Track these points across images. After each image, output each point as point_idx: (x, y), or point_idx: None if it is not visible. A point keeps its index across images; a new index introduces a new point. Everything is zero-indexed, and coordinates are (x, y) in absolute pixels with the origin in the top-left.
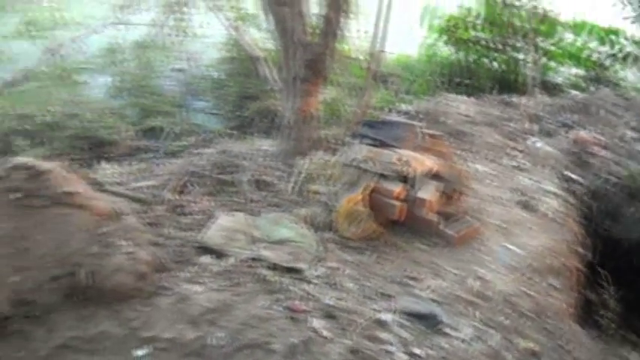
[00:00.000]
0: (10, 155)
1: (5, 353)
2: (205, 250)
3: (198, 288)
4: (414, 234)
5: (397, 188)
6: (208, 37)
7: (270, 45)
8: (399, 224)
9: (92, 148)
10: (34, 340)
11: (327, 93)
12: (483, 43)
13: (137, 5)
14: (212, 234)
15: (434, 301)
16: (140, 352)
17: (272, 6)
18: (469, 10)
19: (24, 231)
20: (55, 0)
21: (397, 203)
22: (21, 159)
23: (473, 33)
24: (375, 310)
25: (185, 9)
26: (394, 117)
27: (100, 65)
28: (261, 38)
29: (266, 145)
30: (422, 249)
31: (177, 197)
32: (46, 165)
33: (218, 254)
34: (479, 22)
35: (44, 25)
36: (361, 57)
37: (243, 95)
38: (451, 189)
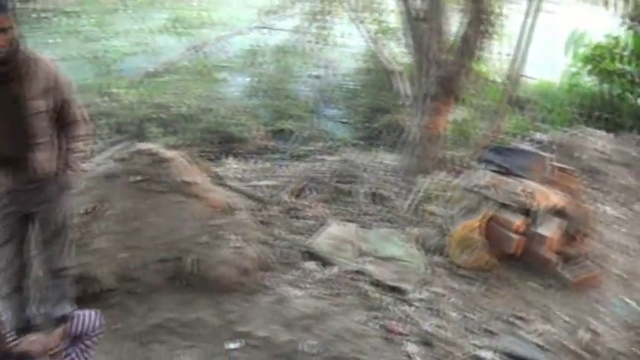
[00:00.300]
0: (142, 140)
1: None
2: (311, 255)
3: (298, 292)
4: (528, 271)
5: (517, 221)
6: (348, 47)
7: (407, 60)
8: (514, 259)
9: (222, 143)
10: (133, 316)
11: (457, 113)
12: (629, 77)
13: (282, 11)
14: (321, 241)
15: (539, 346)
16: (232, 345)
17: (411, 21)
18: (617, 40)
19: (139, 212)
20: (205, 0)
21: (515, 236)
22: (146, 145)
23: (619, 65)
24: (475, 345)
25: (328, 18)
26: (525, 145)
27: (239, 65)
28: (399, 52)
29: (389, 159)
30: (535, 288)
31: (293, 200)
32: (169, 153)
33: (323, 262)
34: (626, 53)
35: (191, 23)
36: (499, 79)
37: (374, 107)
38: (575, 229)
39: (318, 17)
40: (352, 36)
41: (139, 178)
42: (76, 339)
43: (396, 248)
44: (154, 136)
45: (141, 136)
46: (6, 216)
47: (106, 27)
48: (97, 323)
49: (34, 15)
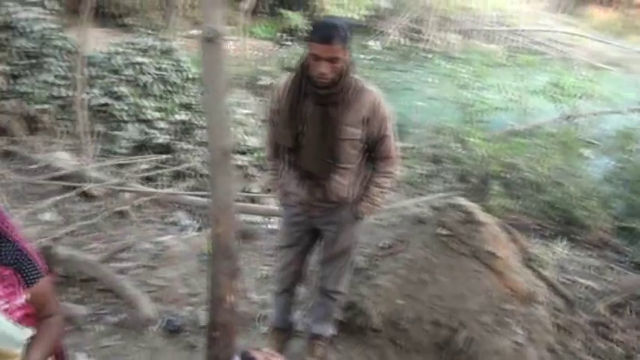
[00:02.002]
0: (480, 195)
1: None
2: None
3: None
4: None
5: None
6: None
7: None
8: None
9: (559, 222)
10: None
11: None
12: None
13: None
14: None
15: None
16: None
17: None
18: None
19: (431, 266)
20: (592, 72)
21: None
22: (464, 201)
23: None
24: None
25: None
26: None
27: (607, 146)
28: None
29: None
30: None
31: (607, 315)
32: (484, 217)
33: None
34: None
35: (570, 92)
36: None
37: None
38: None
39: None
40: None
41: (444, 232)
42: None
43: None
44: (491, 194)
45: (480, 191)
46: (295, 224)
47: (483, 78)
48: None
49: (422, 54)
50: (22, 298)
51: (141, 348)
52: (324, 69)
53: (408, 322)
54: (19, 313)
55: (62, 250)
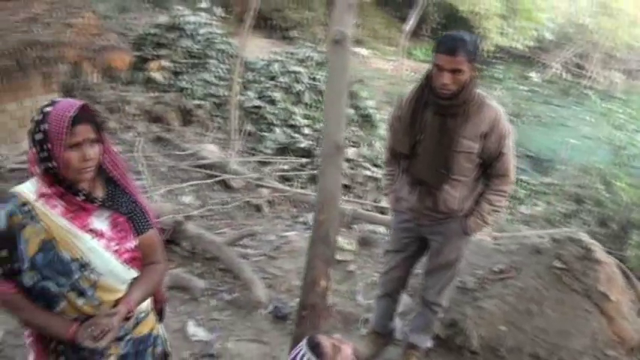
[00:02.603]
0: (617, 243)
1: None
2: None
3: None
4: None
5: None
6: None
7: None
8: None
9: None
10: None
11: None
12: None
13: None
14: None
15: None
16: None
17: None
18: None
19: (540, 298)
20: None
21: None
22: (584, 237)
23: None
24: None
25: None
26: None
27: None
28: None
29: None
30: None
31: None
32: (602, 256)
33: None
34: None
35: None
36: None
37: None
38: None
39: None
40: None
41: (559, 265)
42: None
43: None
44: (632, 245)
45: (618, 239)
46: (403, 230)
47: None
48: None
49: (582, 90)
50: (131, 243)
51: (247, 327)
52: (447, 80)
53: (508, 350)
54: (127, 255)
55: (192, 228)
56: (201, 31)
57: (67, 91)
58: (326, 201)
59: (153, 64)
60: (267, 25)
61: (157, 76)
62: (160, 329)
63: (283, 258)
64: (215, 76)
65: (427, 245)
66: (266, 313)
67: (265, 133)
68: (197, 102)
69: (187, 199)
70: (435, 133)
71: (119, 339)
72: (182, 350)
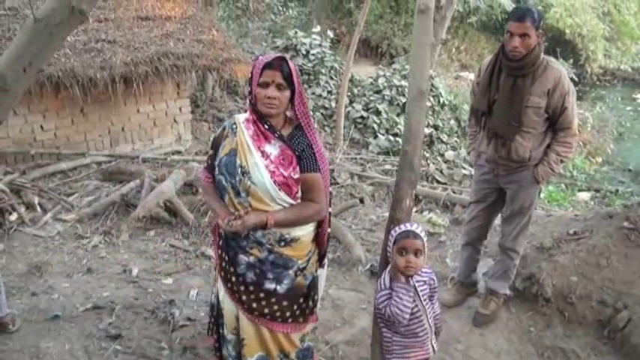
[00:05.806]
0: None
1: None
2: None
3: None
4: None
5: None
6: None
7: None
8: None
9: None
10: (547, 329)
11: None
12: None
13: None
14: None
15: None
16: None
17: None
18: None
19: (610, 253)
20: None
21: None
22: None
23: None
24: None
25: None
26: None
27: None
28: None
29: None
30: None
31: None
32: None
33: None
34: None
35: None
36: None
37: None
38: None
39: None
40: None
41: (628, 225)
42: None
43: None
44: None
45: None
46: (483, 181)
47: None
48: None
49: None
50: (287, 172)
51: (346, 280)
52: (517, 43)
53: (578, 297)
54: (279, 179)
55: None
56: (313, 51)
57: (194, 102)
58: (411, 135)
59: None
60: (376, 53)
61: None
62: (316, 273)
63: (380, 232)
64: (325, 90)
65: (504, 196)
66: (363, 270)
67: (369, 140)
68: None
69: None
70: (507, 92)
71: (259, 243)
72: None
